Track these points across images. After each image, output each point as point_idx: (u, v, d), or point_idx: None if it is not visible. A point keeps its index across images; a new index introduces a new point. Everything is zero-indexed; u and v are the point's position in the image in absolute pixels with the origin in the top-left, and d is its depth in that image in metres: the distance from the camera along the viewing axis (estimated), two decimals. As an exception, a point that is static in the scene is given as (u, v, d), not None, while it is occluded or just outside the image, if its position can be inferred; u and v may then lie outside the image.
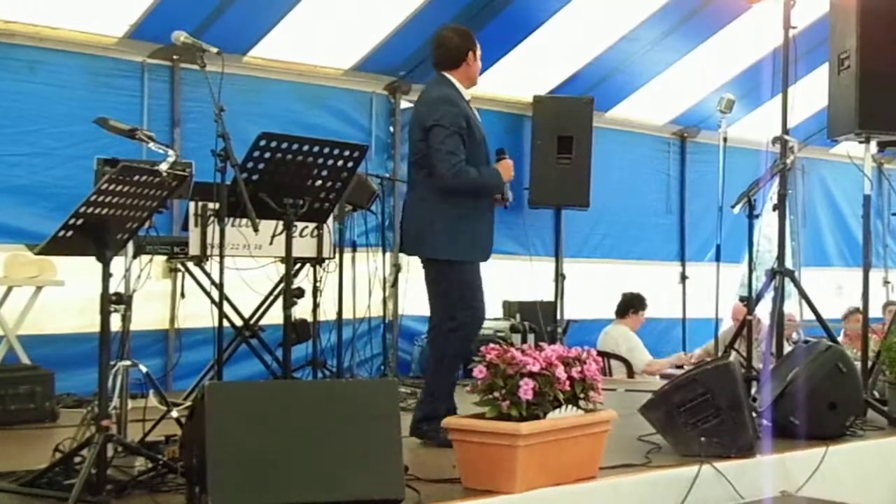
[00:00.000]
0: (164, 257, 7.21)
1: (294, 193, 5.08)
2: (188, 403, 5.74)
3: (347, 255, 7.74)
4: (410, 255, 6.27)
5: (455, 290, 5.78)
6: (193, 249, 6.79)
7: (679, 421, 5.38)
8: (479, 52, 5.97)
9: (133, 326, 5.06)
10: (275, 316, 6.30)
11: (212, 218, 6.23)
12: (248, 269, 6.97)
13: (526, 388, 4.33)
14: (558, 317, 9.79)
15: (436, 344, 5.89)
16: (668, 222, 11.85)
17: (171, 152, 4.68)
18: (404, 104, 9.72)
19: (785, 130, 7.00)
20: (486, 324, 9.56)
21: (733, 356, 5.92)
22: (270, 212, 5.08)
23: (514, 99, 10.29)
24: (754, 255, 7.15)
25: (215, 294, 5.68)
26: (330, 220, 6.80)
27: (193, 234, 6.76)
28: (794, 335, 10.26)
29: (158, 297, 7.81)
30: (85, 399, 6.25)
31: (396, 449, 4.22)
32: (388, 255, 9.02)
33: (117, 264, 4.53)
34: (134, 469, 4.51)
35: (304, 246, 7.04)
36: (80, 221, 4.19)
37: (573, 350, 4.66)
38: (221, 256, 5.19)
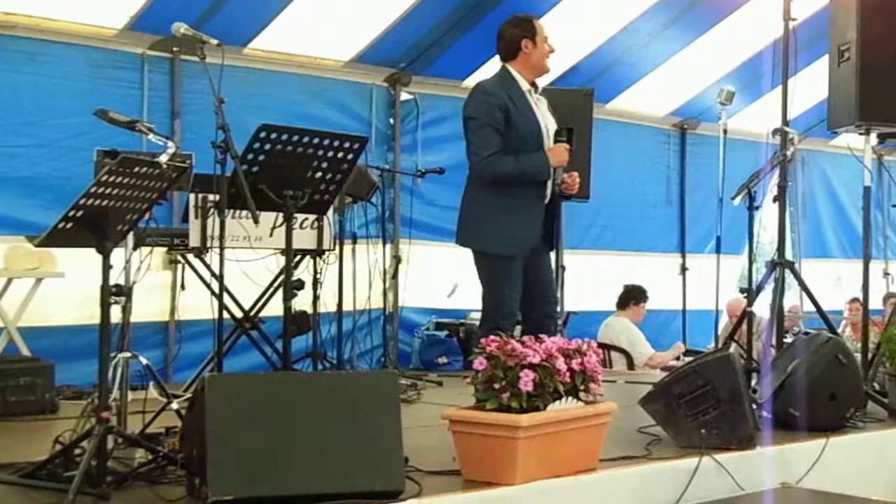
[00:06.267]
0: (165, 249, 7.22)
1: (294, 185, 5.08)
2: (188, 395, 5.75)
3: (347, 247, 7.74)
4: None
5: (484, 283, 5.77)
6: (193, 241, 6.79)
7: (679, 413, 5.38)
8: (541, 38, 5.84)
9: (133, 318, 5.05)
10: (275, 308, 6.30)
11: (212, 209, 6.23)
12: (248, 260, 6.97)
13: (526, 380, 4.33)
14: (558, 308, 9.79)
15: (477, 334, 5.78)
16: (668, 214, 11.86)
17: (170, 144, 4.67)
18: (404, 96, 9.74)
19: (785, 122, 7.00)
20: (485, 316, 9.71)
21: (733, 348, 5.92)
22: (270, 203, 5.07)
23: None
24: (754, 247, 7.14)
25: (215, 286, 5.68)
26: (330, 212, 6.79)
27: (193, 226, 6.77)
28: (795, 328, 10.27)
29: (158, 289, 7.82)
30: (85, 391, 6.26)
31: (397, 441, 4.22)
32: (388, 246, 9.04)
33: (117, 256, 4.52)
34: (134, 461, 4.51)
35: (304, 238, 7.04)
36: (80, 213, 4.19)
37: (573, 342, 4.66)
38: (221, 248, 5.19)
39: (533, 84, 5.90)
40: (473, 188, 5.82)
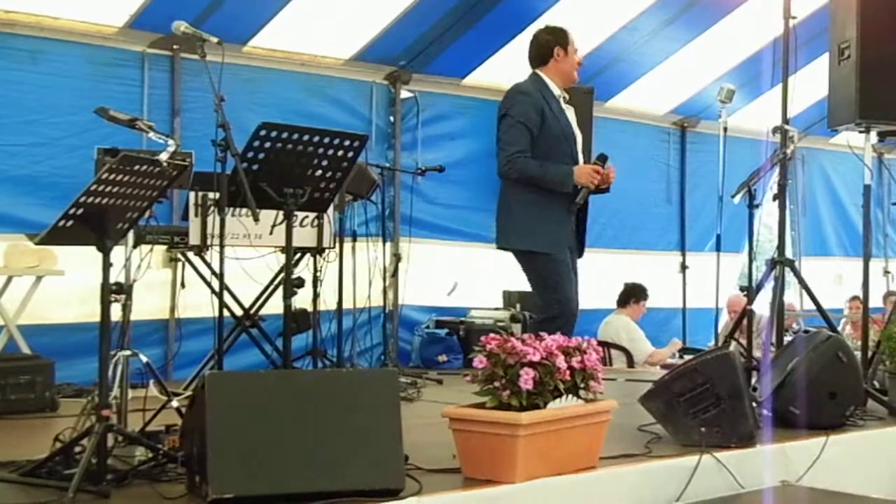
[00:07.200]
0: (165, 247, 7.21)
1: (294, 183, 5.07)
2: (188, 393, 5.74)
3: (348, 245, 7.73)
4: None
5: (538, 282, 5.87)
6: (194, 239, 6.79)
7: (679, 410, 5.38)
8: (571, 48, 6.07)
9: (133, 316, 5.06)
10: (275, 305, 6.29)
11: (212, 207, 6.23)
12: (248, 258, 6.96)
13: (526, 378, 4.33)
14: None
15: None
16: (668, 212, 11.86)
17: (171, 142, 4.67)
18: (404, 94, 9.74)
19: (785, 120, 6.99)
20: (486, 313, 9.71)
21: (733, 346, 5.92)
22: (271, 201, 5.07)
23: (514, 89, 10.27)
24: (754, 245, 7.14)
25: (215, 284, 5.68)
26: (330, 210, 6.79)
27: (194, 224, 6.76)
28: (794, 325, 10.27)
29: (159, 287, 7.82)
30: (85, 389, 6.26)
31: (397, 439, 4.22)
32: (388, 244, 9.03)
33: (117, 254, 4.52)
34: (134, 459, 4.51)
35: (304, 235, 7.03)
36: (80, 211, 4.19)
37: (573, 339, 4.65)
38: (221, 246, 5.18)
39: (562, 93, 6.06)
40: (507, 190, 5.95)
